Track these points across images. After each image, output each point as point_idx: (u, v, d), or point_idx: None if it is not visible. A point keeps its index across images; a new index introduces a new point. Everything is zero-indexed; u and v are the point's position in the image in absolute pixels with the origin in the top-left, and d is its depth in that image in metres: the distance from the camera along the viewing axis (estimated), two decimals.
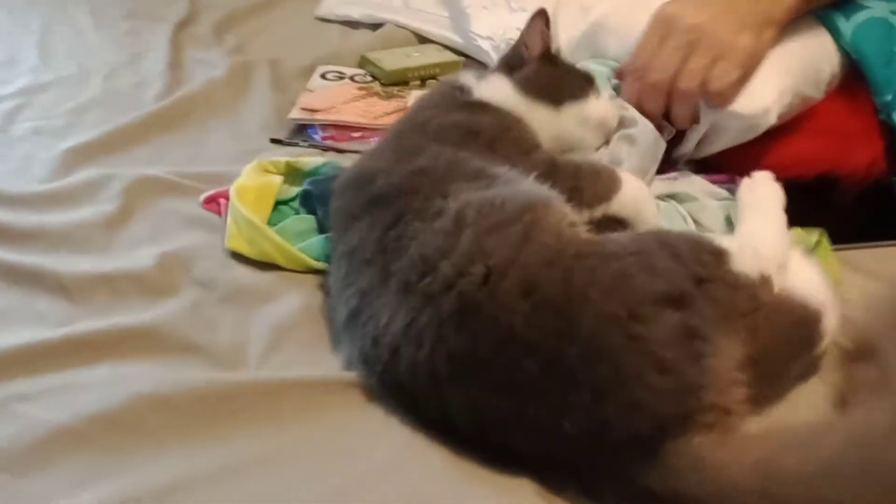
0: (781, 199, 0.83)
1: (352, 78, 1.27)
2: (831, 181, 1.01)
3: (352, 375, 0.74)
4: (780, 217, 0.80)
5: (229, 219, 0.91)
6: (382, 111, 1.18)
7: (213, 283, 0.87)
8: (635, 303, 0.65)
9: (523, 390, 0.65)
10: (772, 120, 0.97)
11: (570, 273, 0.67)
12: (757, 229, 0.77)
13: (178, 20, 1.43)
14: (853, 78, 1.03)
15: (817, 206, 1.00)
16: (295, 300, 0.85)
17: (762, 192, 0.84)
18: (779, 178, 0.98)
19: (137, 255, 0.90)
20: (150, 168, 1.05)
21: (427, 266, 0.70)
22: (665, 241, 0.71)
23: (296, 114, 1.16)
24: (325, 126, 1.15)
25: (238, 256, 0.90)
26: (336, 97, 1.21)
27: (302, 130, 1.15)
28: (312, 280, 0.87)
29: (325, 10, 1.44)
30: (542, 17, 0.91)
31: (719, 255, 0.71)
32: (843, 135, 1.02)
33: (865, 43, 1.01)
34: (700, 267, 0.69)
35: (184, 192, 1.01)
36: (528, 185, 0.77)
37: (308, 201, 0.94)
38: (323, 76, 1.27)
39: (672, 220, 0.90)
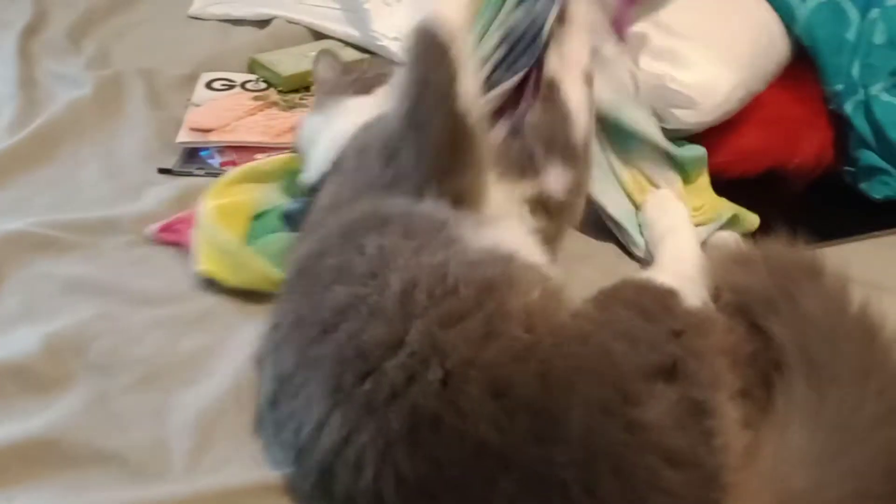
0: (687, 214, 0.86)
1: (243, 86, 1.12)
2: (780, 176, 0.96)
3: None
4: (692, 234, 0.84)
5: (201, 242, 0.80)
6: (286, 125, 1.04)
7: (115, 365, 0.72)
8: (625, 381, 0.56)
9: None
10: (716, 118, 0.92)
11: (547, 366, 0.56)
12: (681, 255, 0.79)
13: (23, 24, 1.21)
14: (798, 65, 0.99)
15: (767, 201, 0.96)
16: (223, 376, 0.71)
17: (672, 212, 0.86)
18: (728, 177, 0.95)
19: (14, 340, 0.74)
20: (11, 221, 0.87)
21: (366, 364, 0.57)
22: (628, 300, 0.62)
23: (184, 136, 1.01)
24: (223, 149, 1.00)
25: (139, 325, 0.75)
26: (229, 112, 1.06)
27: (194, 155, 1.00)
28: (240, 345, 0.73)
29: (197, 8, 1.27)
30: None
31: (672, 296, 0.64)
32: (789, 124, 0.99)
33: (818, 29, 0.97)
34: (670, 318, 0.61)
35: (59, 248, 0.85)
36: (480, 246, 0.64)
37: (290, 220, 0.82)
38: (208, 85, 1.12)
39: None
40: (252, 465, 0.64)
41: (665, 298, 0.63)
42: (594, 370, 0.56)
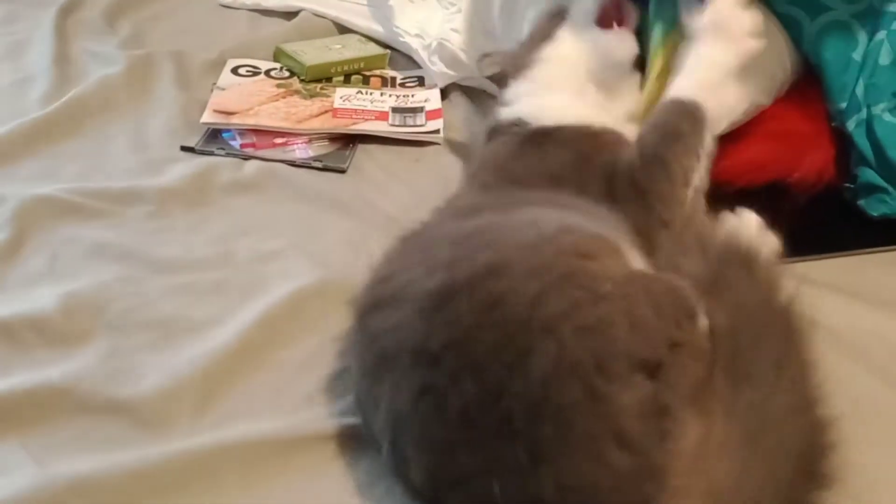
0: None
1: (267, 73, 1.16)
2: (782, 189, 0.99)
3: (310, 428, 0.66)
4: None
5: None
6: (307, 113, 1.08)
7: (130, 326, 0.76)
8: (608, 356, 0.57)
9: (456, 420, 0.56)
10: (723, 127, 0.94)
11: (545, 297, 0.58)
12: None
13: (62, 4, 1.25)
14: (804, 81, 1.02)
15: (769, 213, 0.99)
16: (230, 331, 0.75)
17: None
18: (732, 187, 0.98)
19: (37, 296, 0.78)
20: (41, 186, 0.91)
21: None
22: (650, 289, 0.63)
23: (209, 117, 1.05)
24: (244, 131, 1.04)
25: (156, 290, 0.79)
26: (252, 97, 1.10)
27: (216, 136, 1.04)
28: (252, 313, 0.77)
29: None
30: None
31: (692, 317, 0.63)
32: (794, 139, 1.01)
33: (825, 47, 0.99)
34: (677, 329, 0.61)
35: (84, 214, 0.89)
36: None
37: None
38: (234, 71, 1.15)
39: None
40: (257, 420, 0.68)
41: (683, 310, 0.63)
42: (586, 327, 0.57)
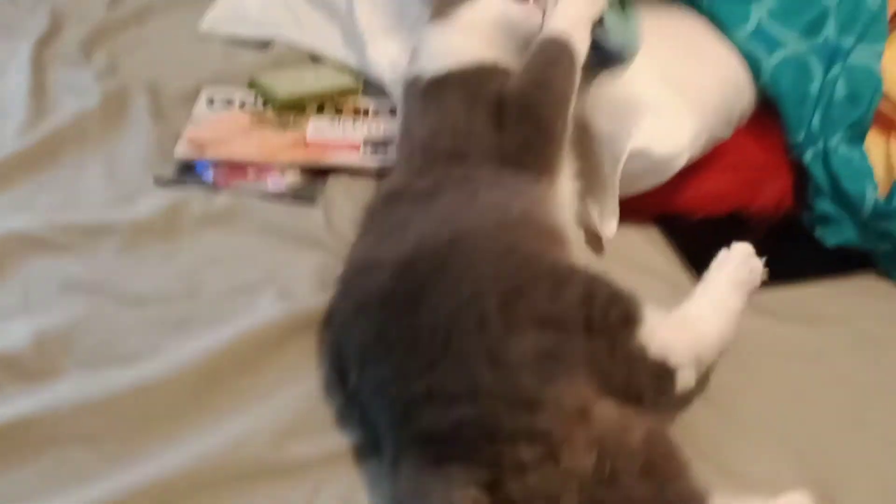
0: (752, 285, 0.80)
1: (242, 104, 1.18)
2: (742, 219, 1.02)
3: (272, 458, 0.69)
4: (734, 314, 0.77)
5: None
6: (280, 145, 1.10)
7: (100, 361, 0.78)
8: (518, 304, 0.68)
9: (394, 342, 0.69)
10: (683, 163, 0.97)
11: (498, 238, 0.72)
12: (702, 323, 0.75)
13: (40, 35, 1.27)
14: (763, 113, 1.05)
15: (729, 242, 1.01)
16: (198, 362, 0.78)
17: (731, 278, 0.79)
18: (694, 217, 1.01)
19: (8, 332, 0.80)
20: (13, 220, 0.93)
21: None
22: (590, 282, 0.72)
23: (182, 150, 1.07)
24: (217, 163, 1.06)
25: (126, 324, 0.82)
26: (226, 128, 1.12)
27: (189, 168, 1.06)
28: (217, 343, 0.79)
29: (207, 26, 1.33)
30: None
31: (627, 321, 0.71)
32: (753, 171, 1.04)
33: (782, 82, 1.03)
34: (601, 319, 0.70)
35: (57, 248, 0.91)
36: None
37: None
38: (209, 102, 1.17)
39: None
40: (223, 448, 0.70)
41: (618, 313, 0.71)
42: (512, 285, 0.69)
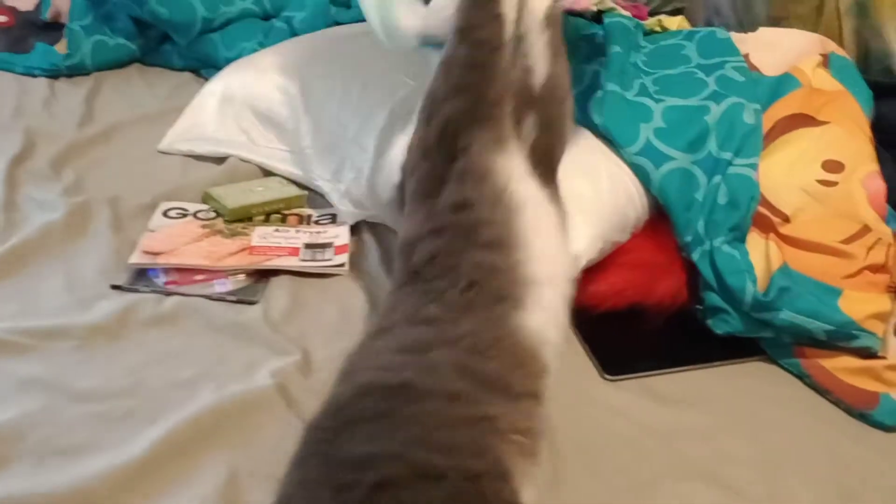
0: None
1: (195, 215, 1.30)
2: (640, 311, 1.13)
3: None
4: None
5: None
6: (227, 251, 1.21)
7: (48, 453, 0.86)
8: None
9: None
10: (580, 265, 1.09)
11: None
12: None
13: (14, 153, 1.39)
14: (658, 217, 1.18)
15: (630, 332, 1.13)
16: (136, 451, 0.86)
17: None
18: (595, 310, 1.12)
19: None
20: None
21: None
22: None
23: (136, 258, 1.17)
24: (168, 269, 1.17)
25: (73, 418, 0.90)
26: (179, 237, 1.23)
27: (143, 274, 1.16)
28: (156, 436, 0.88)
29: (166, 144, 1.46)
30: None
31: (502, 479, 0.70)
32: (650, 269, 1.15)
33: (670, 190, 1.16)
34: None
35: (18, 350, 1.00)
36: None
37: None
38: (165, 213, 1.29)
39: None
40: None
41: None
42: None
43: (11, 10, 1.76)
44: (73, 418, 0.91)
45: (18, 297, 1.10)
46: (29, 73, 1.62)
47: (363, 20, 1.51)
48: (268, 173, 1.40)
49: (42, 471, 0.84)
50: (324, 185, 1.32)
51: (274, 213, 1.32)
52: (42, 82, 1.61)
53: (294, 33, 1.58)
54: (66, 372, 0.97)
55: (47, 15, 1.73)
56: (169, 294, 1.13)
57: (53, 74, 1.63)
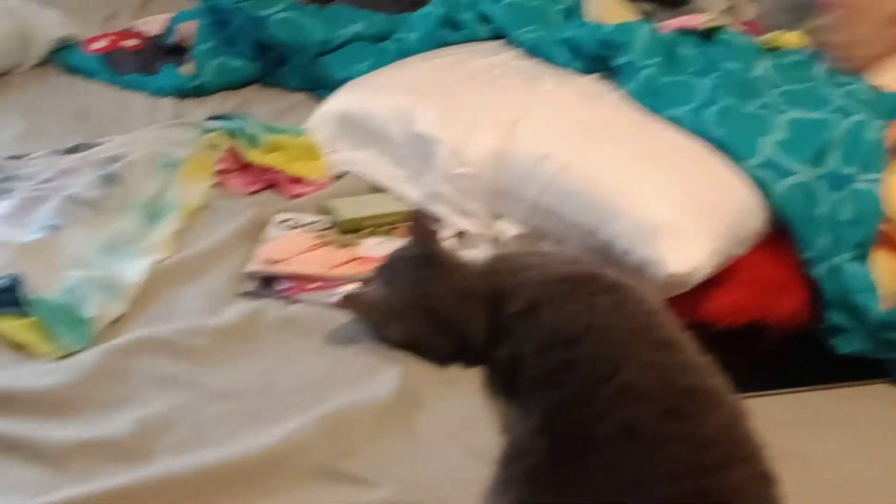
0: None
1: (309, 225, 1.32)
2: (759, 329, 1.10)
3: None
4: None
5: None
6: (338, 260, 1.24)
7: (189, 449, 0.91)
8: None
9: None
10: (696, 279, 1.08)
11: None
12: None
13: None
14: (779, 231, 1.15)
15: (749, 350, 1.10)
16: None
17: None
18: (714, 327, 1.09)
19: (111, 421, 0.94)
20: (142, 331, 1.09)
21: None
22: None
23: (253, 266, 1.21)
24: (282, 278, 1.20)
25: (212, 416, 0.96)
26: (293, 247, 1.26)
27: (262, 282, 1.20)
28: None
29: None
30: None
31: None
32: (770, 286, 1.12)
33: (790, 206, 1.13)
34: None
35: (168, 349, 1.06)
36: None
37: None
38: (280, 224, 1.31)
39: None
40: None
41: None
42: None
43: (141, 35, 1.88)
44: (212, 417, 0.95)
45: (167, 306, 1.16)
46: (158, 93, 1.71)
47: (472, 41, 1.57)
48: (378, 189, 1.41)
49: (179, 463, 0.89)
50: (439, 208, 1.32)
51: (385, 226, 1.33)
52: (169, 102, 1.70)
53: (405, 55, 1.63)
54: (201, 371, 1.02)
55: (173, 39, 1.83)
56: (294, 302, 1.17)
57: (179, 94, 1.72)
